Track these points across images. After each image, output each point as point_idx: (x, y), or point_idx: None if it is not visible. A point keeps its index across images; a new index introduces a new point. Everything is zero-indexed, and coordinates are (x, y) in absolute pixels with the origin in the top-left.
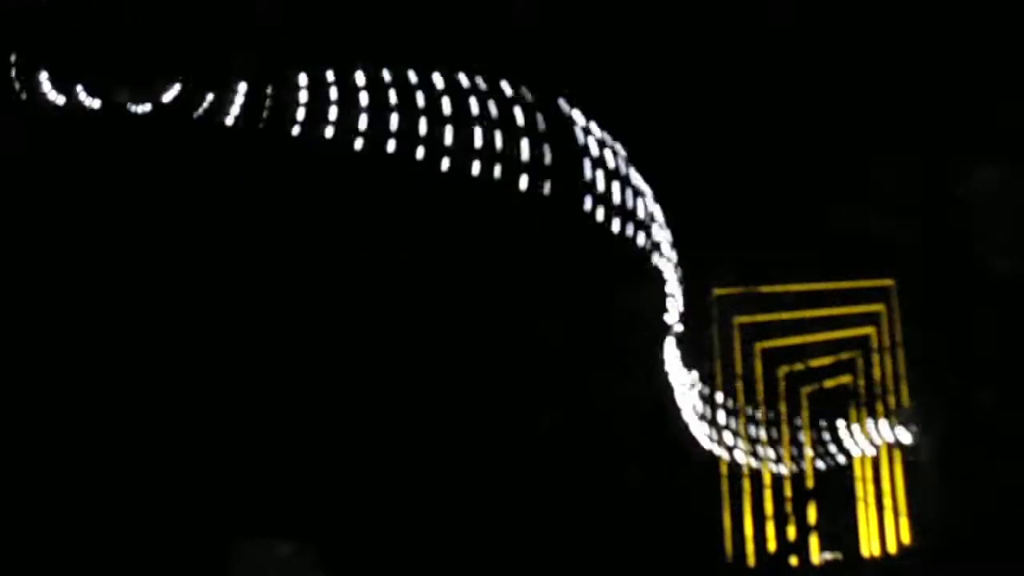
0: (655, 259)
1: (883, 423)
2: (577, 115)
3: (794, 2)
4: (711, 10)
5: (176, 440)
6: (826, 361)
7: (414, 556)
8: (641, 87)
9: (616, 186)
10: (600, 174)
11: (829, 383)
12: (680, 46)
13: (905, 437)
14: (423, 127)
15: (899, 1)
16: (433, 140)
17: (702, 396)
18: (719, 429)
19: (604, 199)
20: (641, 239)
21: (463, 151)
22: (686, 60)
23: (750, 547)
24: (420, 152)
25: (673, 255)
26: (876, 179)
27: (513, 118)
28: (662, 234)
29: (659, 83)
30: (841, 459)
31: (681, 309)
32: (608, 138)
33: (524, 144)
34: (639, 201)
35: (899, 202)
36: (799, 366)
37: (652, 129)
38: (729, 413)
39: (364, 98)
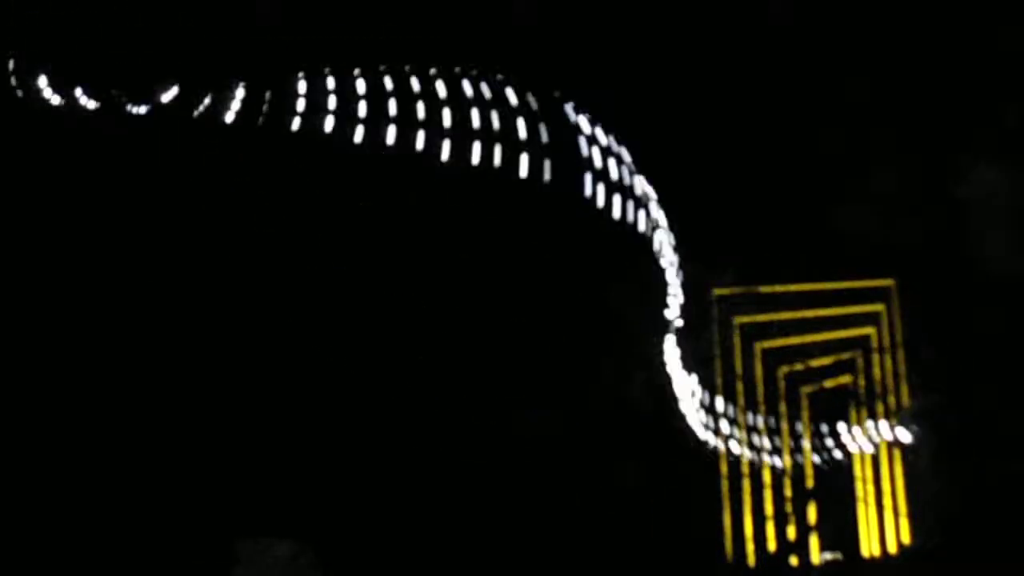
0: (655, 241)
1: (883, 423)
2: (573, 110)
3: (794, 2)
4: (711, 10)
5: (175, 440)
6: (826, 361)
7: (414, 556)
8: (641, 86)
9: (612, 163)
10: (596, 151)
11: (829, 383)
12: (680, 45)
13: (905, 437)
14: (420, 114)
15: (899, 1)
16: (430, 127)
17: (701, 396)
18: (719, 429)
19: (601, 177)
20: (641, 219)
21: (460, 137)
22: (685, 59)
23: (750, 547)
24: (418, 141)
25: (672, 237)
26: (876, 179)
27: (508, 105)
28: (660, 215)
29: (658, 82)
30: (841, 459)
31: (681, 303)
32: (601, 123)
33: (520, 128)
34: (635, 180)
35: (899, 202)
36: (799, 366)
37: (652, 129)
38: (729, 413)
39: (362, 94)
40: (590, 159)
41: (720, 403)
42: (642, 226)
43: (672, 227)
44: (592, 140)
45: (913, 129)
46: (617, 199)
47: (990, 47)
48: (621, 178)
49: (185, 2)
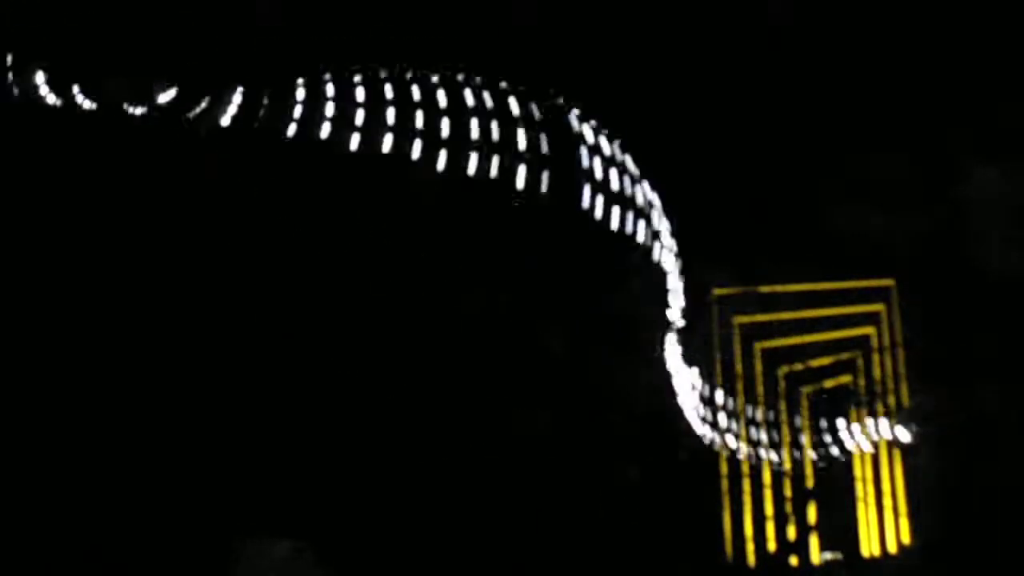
0: (656, 249)
1: (883, 423)
2: (574, 111)
3: (794, 2)
4: (711, 10)
5: (176, 440)
6: (826, 361)
7: (414, 556)
8: (641, 86)
9: (614, 173)
10: (597, 162)
11: (829, 383)
12: (680, 45)
13: (905, 437)
14: (419, 122)
15: (899, 1)
16: (430, 134)
17: (702, 396)
18: (719, 429)
19: (602, 187)
20: (641, 228)
21: (460, 145)
22: (686, 59)
23: (750, 547)
24: (416, 147)
25: (674, 245)
26: (876, 179)
27: (508, 110)
28: (662, 223)
29: (659, 82)
30: (841, 459)
31: (682, 304)
32: (604, 128)
33: (520, 135)
34: (637, 188)
35: (899, 202)
36: (799, 366)
37: (652, 129)
38: (729, 413)
39: (361, 98)
40: (591, 170)
41: (721, 403)
42: (642, 235)
43: (673, 228)
44: (595, 150)
45: (913, 129)
46: (616, 208)
47: (990, 47)
48: (623, 188)
49: (185, 3)
